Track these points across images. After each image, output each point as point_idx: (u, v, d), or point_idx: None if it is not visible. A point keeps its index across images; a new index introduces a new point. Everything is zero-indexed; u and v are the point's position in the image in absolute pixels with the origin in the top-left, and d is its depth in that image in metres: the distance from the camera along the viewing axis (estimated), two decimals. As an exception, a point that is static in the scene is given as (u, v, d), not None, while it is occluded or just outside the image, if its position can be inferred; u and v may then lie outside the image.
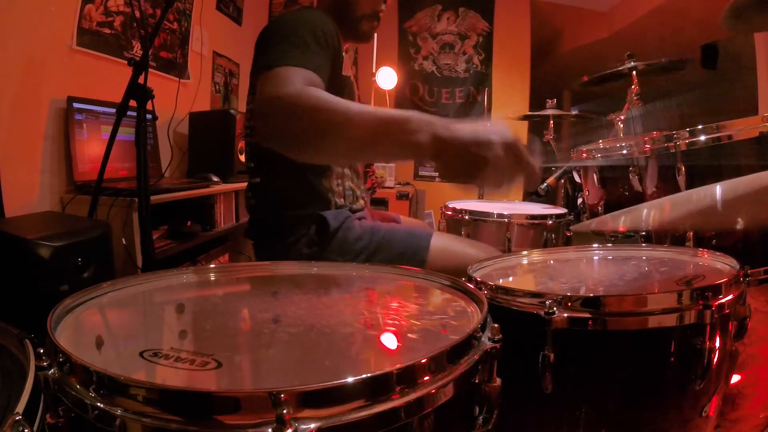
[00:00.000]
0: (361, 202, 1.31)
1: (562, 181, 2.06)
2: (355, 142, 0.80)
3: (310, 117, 0.81)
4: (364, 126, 0.78)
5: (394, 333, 0.57)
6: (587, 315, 0.69)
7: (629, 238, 1.39)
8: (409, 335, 0.57)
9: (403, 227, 1.24)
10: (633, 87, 1.97)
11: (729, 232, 1.11)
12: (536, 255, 1.08)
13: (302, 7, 1.19)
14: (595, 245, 1.12)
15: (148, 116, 1.57)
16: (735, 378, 0.93)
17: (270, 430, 0.36)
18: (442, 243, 1.18)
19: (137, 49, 2.18)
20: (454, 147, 0.71)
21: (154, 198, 1.63)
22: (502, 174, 0.72)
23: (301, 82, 0.88)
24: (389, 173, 3.96)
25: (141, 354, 0.49)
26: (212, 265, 0.83)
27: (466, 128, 0.72)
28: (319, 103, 0.81)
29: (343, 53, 1.16)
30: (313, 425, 0.37)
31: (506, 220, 1.52)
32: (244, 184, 1.30)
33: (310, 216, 1.16)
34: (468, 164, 0.71)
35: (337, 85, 1.14)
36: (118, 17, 2.08)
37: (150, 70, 1.57)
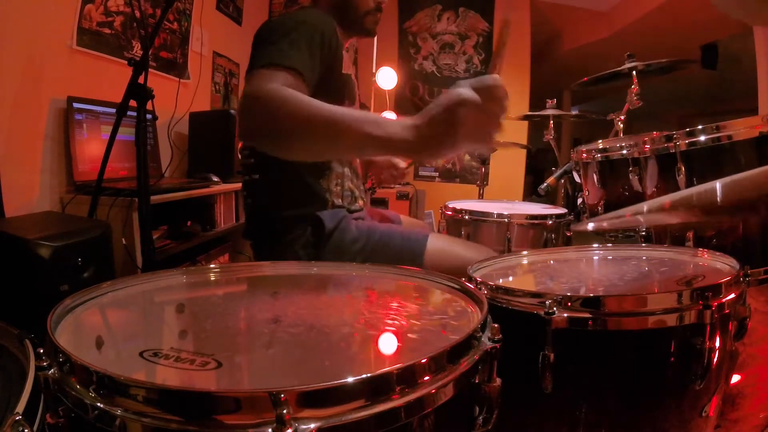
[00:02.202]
0: (360, 202, 1.31)
1: (562, 181, 2.06)
2: (324, 139, 0.81)
3: (278, 115, 0.81)
4: (333, 124, 0.79)
5: (394, 333, 0.57)
6: (587, 315, 0.69)
7: (629, 238, 1.39)
8: (409, 335, 0.57)
9: (399, 230, 1.24)
10: (633, 87, 1.97)
11: (729, 232, 1.11)
12: (536, 255, 1.08)
13: (301, 8, 1.19)
14: (595, 245, 1.12)
15: (148, 116, 1.57)
16: (735, 378, 0.93)
17: (270, 430, 0.36)
18: (439, 245, 1.18)
19: (137, 49, 2.18)
20: (429, 125, 0.73)
21: (154, 198, 1.63)
22: (487, 121, 0.72)
23: (280, 83, 0.88)
24: (389, 173, 3.96)
25: (141, 354, 0.49)
26: (212, 265, 0.83)
27: (432, 105, 0.73)
28: (288, 103, 0.82)
29: (344, 51, 1.16)
30: (313, 425, 0.37)
31: (506, 220, 1.52)
32: (244, 184, 1.30)
33: (307, 216, 1.16)
34: (452, 127, 0.71)
35: (337, 84, 1.14)
36: (118, 17, 2.08)
37: (150, 70, 1.58)
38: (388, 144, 0.75)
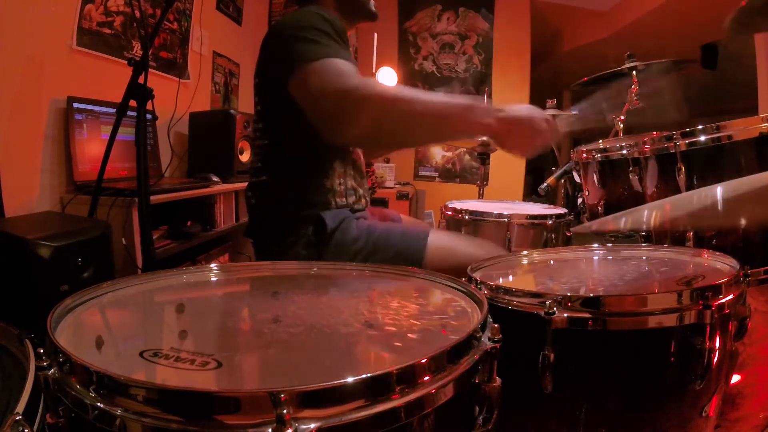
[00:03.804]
0: (363, 201, 1.31)
1: (562, 181, 2.06)
2: (427, 127, 0.95)
3: (383, 108, 0.91)
4: (435, 112, 0.93)
5: (394, 333, 0.57)
6: (587, 315, 0.69)
7: (629, 238, 1.39)
8: (409, 335, 0.57)
9: (399, 227, 1.24)
10: (633, 87, 1.97)
11: (729, 232, 1.11)
12: (536, 255, 1.08)
13: (303, 7, 1.19)
14: (595, 245, 1.12)
15: (148, 116, 1.57)
16: (735, 378, 0.93)
17: (270, 430, 0.36)
18: (440, 242, 1.18)
19: (137, 49, 2.18)
20: (515, 125, 0.96)
21: (154, 198, 1.63)
22: (545, 139, 0.98)
23: (354, 74, 0.95)
24: (389, 173, 3.96)
25: (141, 354, 0.49)
26: (212, 265, 0.83)
27: (517, 109, 0.97)
28: (386, 94, 0.92)
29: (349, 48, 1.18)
30: (313, 425, 0.37)
31: (506, 220, 1.52)
32: (244, 184, 1.30)
33: (310, 216, 1.16)
34: (528, 137, 0.97)
35: None
36: (118, 17, 2.09)
37: (150, 70, 1.57)
38: (484, 130, 0.95)
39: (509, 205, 1.98)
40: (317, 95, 0.94)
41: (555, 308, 0.69)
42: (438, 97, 0.94)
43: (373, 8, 1.28)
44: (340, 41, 1.04)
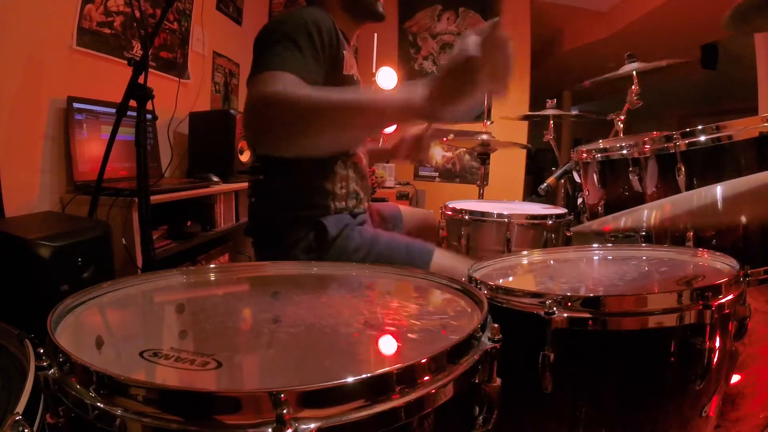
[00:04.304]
0: (365, 204, 1.31)
1: (562, 181, 2.06)
2: (337, 125, 0.82)
3: (283, 111, 0.82)
4: (345, 102, 0.80)
5: (394, 333, 0.57)
6: (587, 315, 0.69)
7: (629, 238, 1.39)
8: (409, 335, 0.57)
9: (404, 241, 1.22)
10: (633, 87, 1.97)
11: (729, 232, 1.11)
12: (536, 255, 1.08)
13: (301, 6, 1.18)
14: (595, 245, 1.12)
15: (148, 116, 1.57)
16: (735, 378, 0.93)
17: (270, 430, 0.36)
18: (444, 262, 1.17)
19: (137, 49, 2.18)
20: (441, 82, 0.74)
21: (154, 198, 1.63)
22: (495, 71, 0.74)
23: (282, 85, 0.89)
24: (389, 173, 3.96)
25: (141, 354, 0.49)
26: (212, 265, 0.83)
27: (441, 66, 0.75)
28: (290, 98, 0.83)
29: (344, 51, 1.16)
30: (313, 425, 0.37)
31: (506, 220, 1.52)
32: (244, 185, 1.31)
33: (310, 218, 1.16)
34: (462, 83, 0.73)
35: (338, 84, 1.13)
36: (118, 17, 2.09)
37: (150, 70, 1.57)
38: (405, 109, 0.77)
39: (509, 205, 1.98)
40: (245, 104, 0.90)
41: (555, 308, 0.69)
42: (362, 92, 0.88)
43: (381, 9, 1.26)
44: (317, 47, 1.00)
